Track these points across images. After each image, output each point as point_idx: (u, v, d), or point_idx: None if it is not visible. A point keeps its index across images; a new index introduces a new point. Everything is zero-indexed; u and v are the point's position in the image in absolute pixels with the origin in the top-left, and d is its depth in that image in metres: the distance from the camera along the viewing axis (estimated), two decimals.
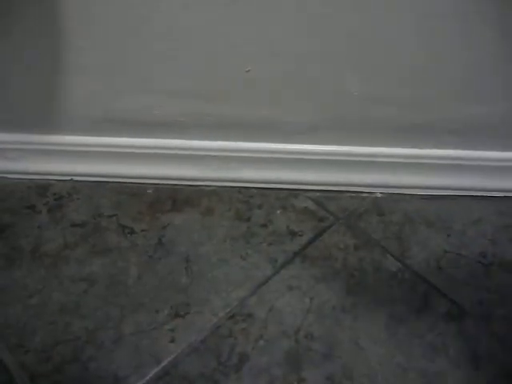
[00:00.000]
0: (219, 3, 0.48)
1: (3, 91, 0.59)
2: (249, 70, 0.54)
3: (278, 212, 0.64)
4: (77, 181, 0.68)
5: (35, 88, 0.58)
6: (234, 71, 0.55)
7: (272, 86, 0.56)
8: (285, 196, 0.66)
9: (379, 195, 0.67)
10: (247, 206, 0.65)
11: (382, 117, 0.58)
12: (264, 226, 0.63)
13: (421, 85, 0.55)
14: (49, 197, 0.66)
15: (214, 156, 0.64)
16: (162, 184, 0.68)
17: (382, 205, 0.66)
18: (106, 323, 0.53)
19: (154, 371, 0.49)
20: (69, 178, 0.68)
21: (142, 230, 0.62)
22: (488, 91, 0.55)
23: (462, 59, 0.52)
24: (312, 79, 0.55)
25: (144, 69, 0.55)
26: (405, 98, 0.56)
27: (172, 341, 0.52)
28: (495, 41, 0.50)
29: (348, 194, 0.67)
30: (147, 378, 0.49)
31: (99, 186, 0.68)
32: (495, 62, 0.52)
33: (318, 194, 0.67)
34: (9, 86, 0.58)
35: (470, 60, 0.52)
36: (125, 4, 0.49)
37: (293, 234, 0.62)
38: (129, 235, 0.62)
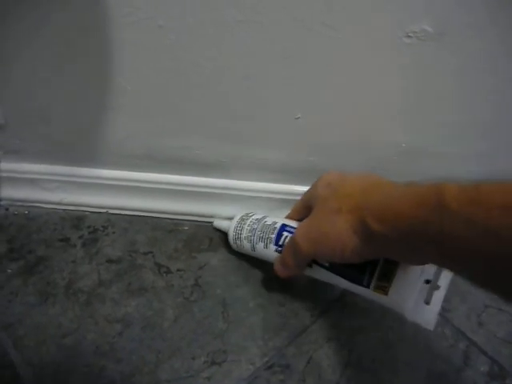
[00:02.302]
0: (272, 53, 0.47)
1: (45, 124, 0.58)
2: (298, 117, 0.53)
3: None
4: (112, 214, 0.67)
5: (77, 123, 0.57)
6: (282, 117, 0.54)
7: (320, 134, 0.55)
8: None
9: None
10: None
11: (423, 170, 0.57)
12: None
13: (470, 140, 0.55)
14: (83, 229, 0.65)
15: (255, 197, 0.63)
16: (199, 221, 0.67)
17: None
18: (142, 368, 0.52)
19: None
20: (104, 210, 0.67)
21: (178, 270, 0.61)
22: None
23: None
24: (361, 130, 0.54)
25: (189, 112, 0.54)
26: (455, 153, 0.56)
27: None
28: None
29: None
30: None
31: (135, 220, 0.67)
32: None
33: None
34: (50, 119, 0.57)
35: None
36: (173, 50, 0.48)
37: None
38: (165, 274, 0.61)
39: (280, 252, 0.53)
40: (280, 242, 0.53)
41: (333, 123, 0.54)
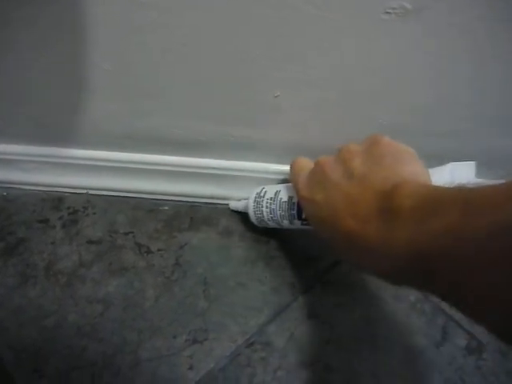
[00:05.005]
0: (252, 30, 0.47)
1: (22, 104, 0.57)
2: (277, 96, 0.53)
3: (298, 234, 0.63)
4: (92, 194, 0.67)
5: (53, 103, 0.56)
6: (262, 95, 0.53)
7: (300, 112, 0.54)
8: None
9: None
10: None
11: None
12: (284, 248, 0.62)
13: (452, 118, 0.55)
14: (63, 211, 0.65)
15: (236, 176, 0.63)
16: (179, 201, 0.67)
17: None
18: (123, 348, 0.52)
19: None
20: (84, 191, 0.66)
21: (159, 250, 0.61)
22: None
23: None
24: (342, 107, 0.54)
25: (168, 91, 0.53)
26: (432, 129, 0.56)
27: (190, 368, 0.51)
28: None
29: None
30: None
31: (115, 201, 0.66)
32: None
33: None
34: (28, 99, 0.56)
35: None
36: (154, 28, 0.47)
37: (312, 259, 0.61)
38: (145, 254, 0.61)
39: (306, 224, 0.53)
40: (303, 216, 0.52)
41: (313, 101, 0.53)
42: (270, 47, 0.48)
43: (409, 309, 0.58)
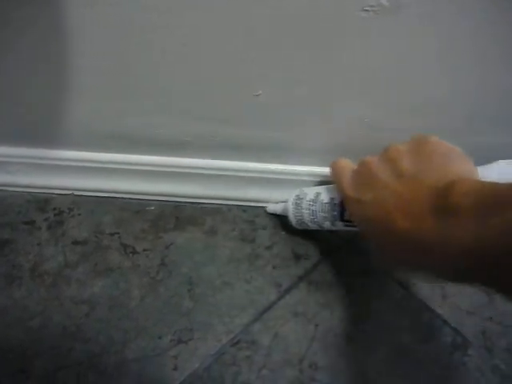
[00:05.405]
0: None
1: (7, 105, 0.57)
2: (259, 94, 0.53)
3: (283, 233, 0.63)
4: (78, 195, 0.67)
5: (39, 104, 0.56)
6: (243, 94, 0.53)
7: (282, 110, 0.54)
8: None
9: None
10: (252, 226, 0.64)
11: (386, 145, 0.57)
12: (269, 247, 0.62)
13: (431, 115, 0.55)
14: (49, 212, 0.65)
15: (220, 175, 0.63)
16: (165, 201, 0.67)
17: None
18: (109, 348, 0.52)
19: None
20: (70, 192, 0.66)
21: (145, 250, 0.61)
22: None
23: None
24: (324, 105, 0.54)
25: (151, 91, 0.53)
26: (416, 128, 0.56)
27: (175, 368, 0.51)
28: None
29: None
30: None
31: (100, 202, 0.66)
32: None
33: None
34: (12, 100, 0.56)
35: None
36: (136, 31, 0.47)
37: (298, 257, 0.61)
38: (131, 255, 0.61)
39: (349, 226, 0.52)
40: (345, 217, 0.52)
41: (294, 99, 0.53)
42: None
43: (395, 306, 0.58)
